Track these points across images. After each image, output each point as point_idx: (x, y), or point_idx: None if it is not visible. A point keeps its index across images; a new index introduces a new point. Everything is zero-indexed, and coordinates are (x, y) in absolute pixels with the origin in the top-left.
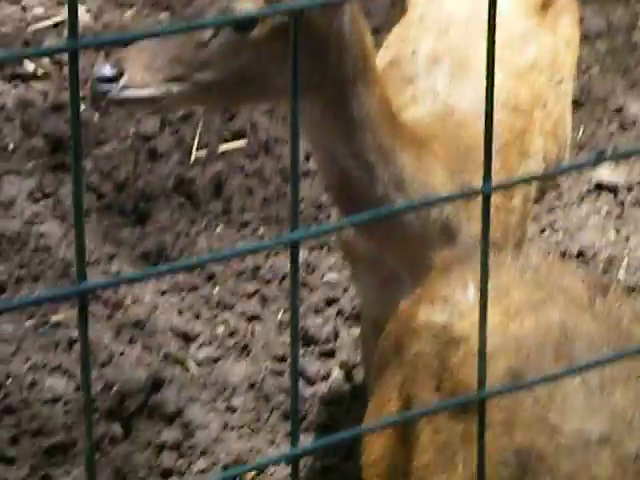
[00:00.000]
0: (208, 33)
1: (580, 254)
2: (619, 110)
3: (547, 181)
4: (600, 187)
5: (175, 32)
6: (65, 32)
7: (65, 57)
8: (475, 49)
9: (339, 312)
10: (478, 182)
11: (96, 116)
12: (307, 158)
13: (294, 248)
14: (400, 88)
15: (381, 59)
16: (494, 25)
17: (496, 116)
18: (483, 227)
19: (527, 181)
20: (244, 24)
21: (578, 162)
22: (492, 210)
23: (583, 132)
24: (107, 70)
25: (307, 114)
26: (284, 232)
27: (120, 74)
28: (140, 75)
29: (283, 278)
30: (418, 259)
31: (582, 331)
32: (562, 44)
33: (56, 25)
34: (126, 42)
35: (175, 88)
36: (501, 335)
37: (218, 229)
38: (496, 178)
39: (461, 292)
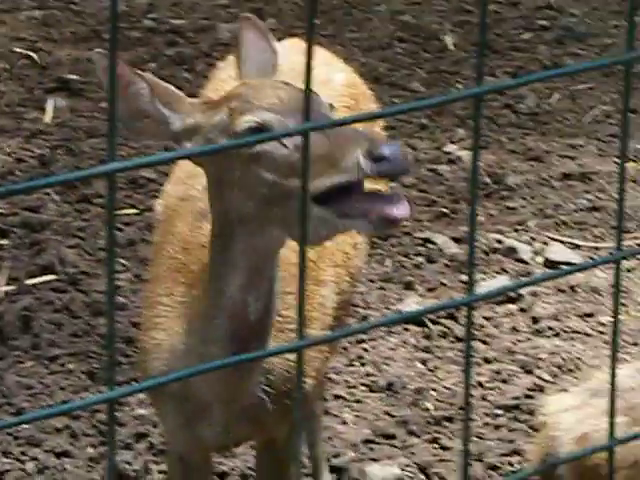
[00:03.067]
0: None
1: (389, 386)
2: (425, 242)
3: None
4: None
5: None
6: None
7: None
8: None
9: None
10: None
11: None
12: None
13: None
14: (193, 223)
15: (170, 195)
16: None
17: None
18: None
19: None
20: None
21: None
22: None
23: (392, 264)
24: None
25: None
26: (92, 367)
27: None
28: None
29: (94, 412)
30: None
31: None
32: None
33: None
34: None
35: None
36: None
37: (27, 364)
38: None
39: None
